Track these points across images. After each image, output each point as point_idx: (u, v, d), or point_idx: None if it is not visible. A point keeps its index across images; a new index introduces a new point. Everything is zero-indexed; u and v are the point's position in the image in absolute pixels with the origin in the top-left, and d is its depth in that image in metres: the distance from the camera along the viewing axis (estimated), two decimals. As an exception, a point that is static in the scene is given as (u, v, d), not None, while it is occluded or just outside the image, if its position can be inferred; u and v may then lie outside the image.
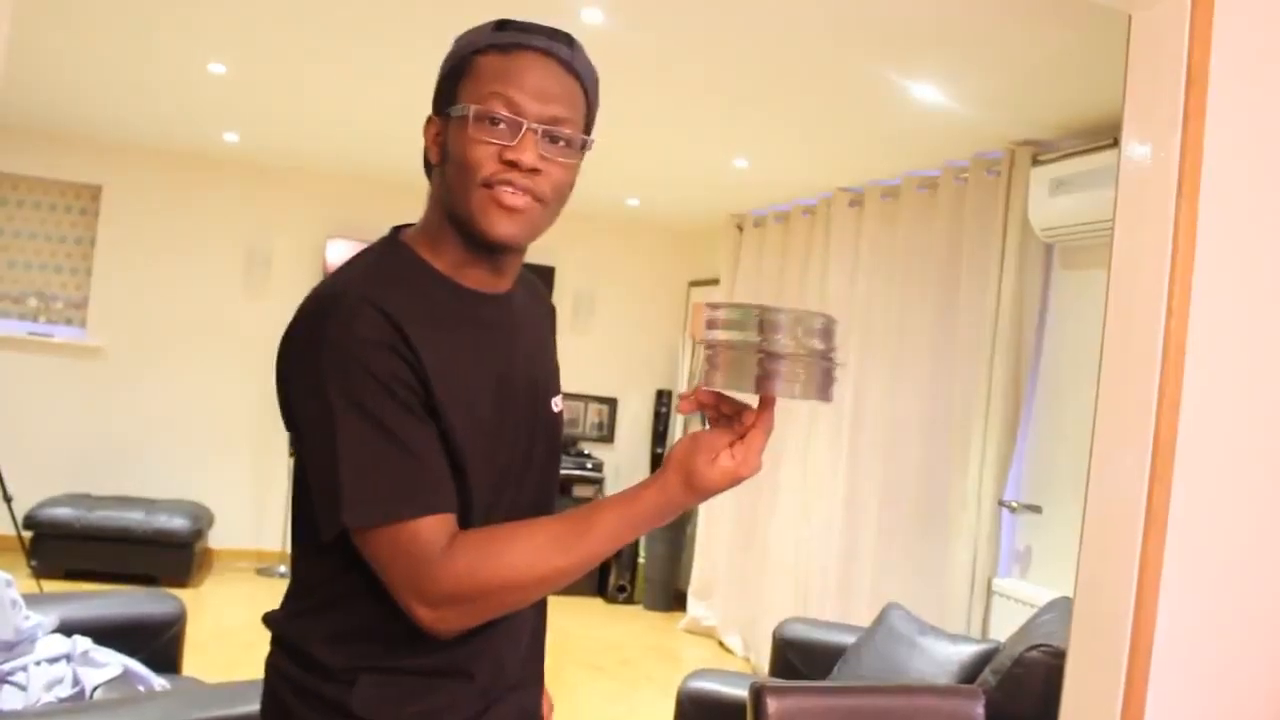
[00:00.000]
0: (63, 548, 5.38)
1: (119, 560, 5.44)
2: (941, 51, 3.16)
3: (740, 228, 6.05)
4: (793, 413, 5.12)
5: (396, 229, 1.28)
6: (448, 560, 1.09)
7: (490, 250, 1.20)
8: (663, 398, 7.09)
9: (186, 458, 6.29)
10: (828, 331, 1.07)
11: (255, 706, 1.28)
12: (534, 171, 1.15)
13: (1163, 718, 1.79)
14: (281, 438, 6.27)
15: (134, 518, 5.52)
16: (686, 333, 6.89)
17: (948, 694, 2.05)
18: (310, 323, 1.13)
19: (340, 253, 6.38)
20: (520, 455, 1.26)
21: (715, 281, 6.24)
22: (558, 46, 1.19)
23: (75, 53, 4.16)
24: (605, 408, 7.15)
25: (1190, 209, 1.80)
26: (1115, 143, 3.00)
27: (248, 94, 4.57)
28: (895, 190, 4.68)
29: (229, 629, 4.99)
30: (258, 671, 1.31)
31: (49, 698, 2.41)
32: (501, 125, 1.15)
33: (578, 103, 1.20)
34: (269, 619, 1.27)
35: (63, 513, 5.44)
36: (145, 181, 6.20)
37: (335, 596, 1.20)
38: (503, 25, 1.20)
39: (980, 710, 1.83)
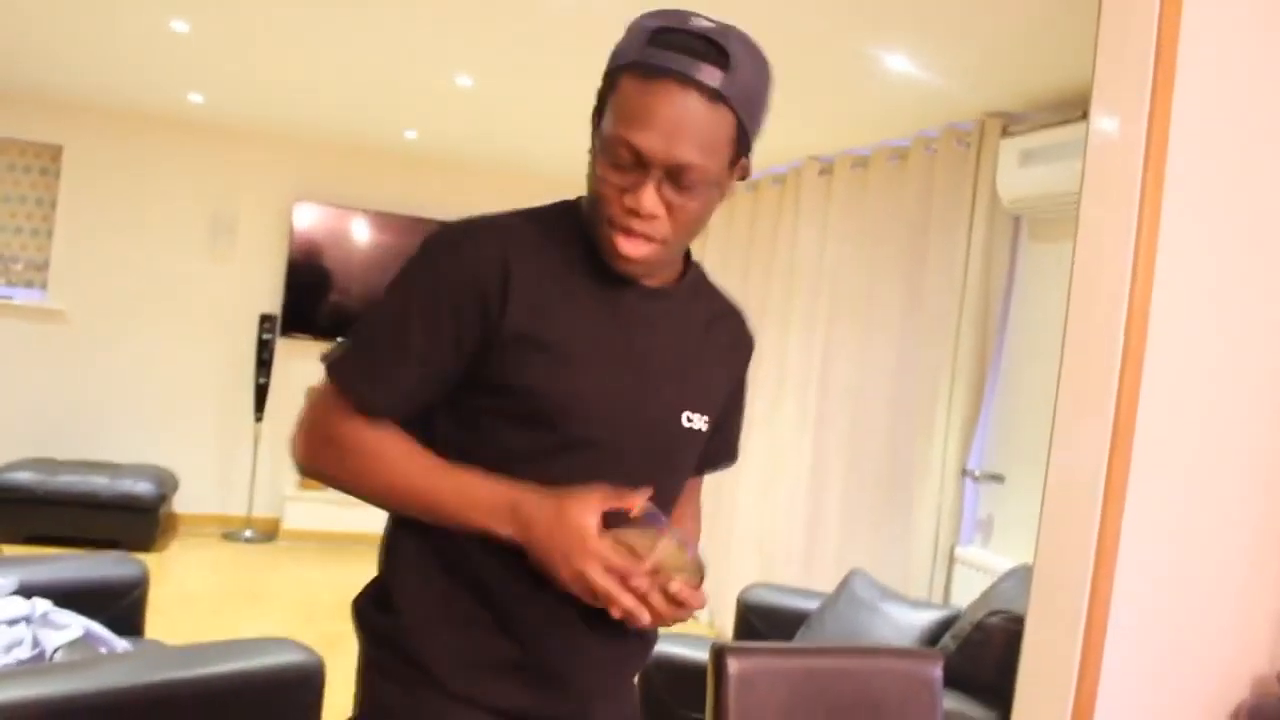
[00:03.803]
0: (24, 512, 5.31)
1: (82, 525, 5.37)
2: (914, 21, 3.15)
3: (711, 196, 6.03)
4: (760, 381, 5.14)
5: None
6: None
7: None
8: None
9: (151, 422, 6.22)
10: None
11: (217, 668, 1.28)
12: (653, 217, 1.14)
13: (1118, 682, 1.83)
14: (247, 401, 6.22)
15: (98, 482, 5.47)
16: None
17: (907, 656, 2.08)
18: (439, 231, 1.21)
19: (308, 217, 6.30)
20: (613, 448, 1.22)
21: (685, 250, 6.22)
22: (705, 72, 1.10)
23: (34, 8, 4.06)
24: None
25: (1156, 182, 1.81)
26: (1085, 116, 3.01)
27: (213, 54, 4.49)
28: (865, 160, 4.69)
29: (193, 593, 4.97)
30: (221, 635, 1.31)
31: (8, 660, 2.38)
32: (627, 168, 1.13)
33: (718, 133, 1.14)
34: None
35: (24, 477, 5.37)
36: (107, 142, 6.08)
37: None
38: (655, 37, 1.11)
39: (939, 673, 1.86)
